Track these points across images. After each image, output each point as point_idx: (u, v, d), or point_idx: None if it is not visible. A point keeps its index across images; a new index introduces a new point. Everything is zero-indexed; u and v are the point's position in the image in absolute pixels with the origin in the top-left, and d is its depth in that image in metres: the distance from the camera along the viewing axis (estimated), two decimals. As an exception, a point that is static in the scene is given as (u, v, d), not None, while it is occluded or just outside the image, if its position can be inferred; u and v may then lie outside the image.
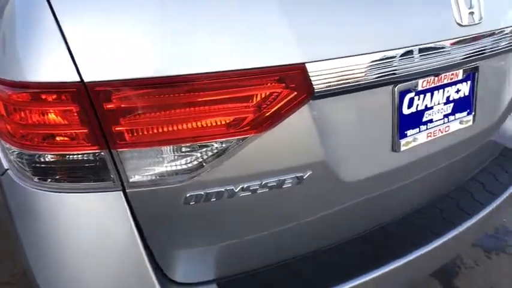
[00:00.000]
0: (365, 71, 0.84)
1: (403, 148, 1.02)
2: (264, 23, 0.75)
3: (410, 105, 1.01)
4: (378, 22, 0.87)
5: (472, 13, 0.98)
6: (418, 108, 1.03)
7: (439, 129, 1.09)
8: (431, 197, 1.24)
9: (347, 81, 0.82)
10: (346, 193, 0.97)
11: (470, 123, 1.15)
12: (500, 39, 1.08)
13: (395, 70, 0.89)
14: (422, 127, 1.06)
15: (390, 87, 0.95)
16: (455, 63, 1.00)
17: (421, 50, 0.91)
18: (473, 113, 1.15)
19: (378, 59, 0.85)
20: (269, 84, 0.75)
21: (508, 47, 1.13)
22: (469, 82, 1.12)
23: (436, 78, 1.03)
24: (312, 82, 0.78)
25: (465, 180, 1.35)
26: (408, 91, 1.00)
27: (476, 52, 1.04)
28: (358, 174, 0.97)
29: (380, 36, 0.87)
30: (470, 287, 1.77)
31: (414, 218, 1.17)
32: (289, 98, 0.77)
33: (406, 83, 0.97)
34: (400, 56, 0.88)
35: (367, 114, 0.95)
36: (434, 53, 0.94)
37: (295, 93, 0.77)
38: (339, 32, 0.82)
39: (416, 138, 1.05)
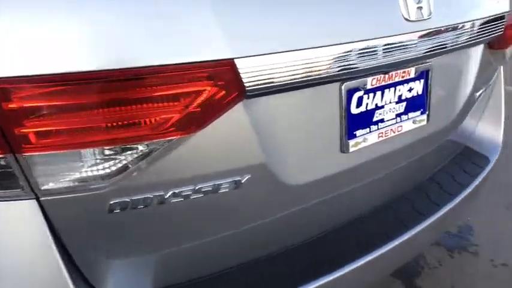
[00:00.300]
0: (304, 68, 0.79)
1: (352, 149, 0.98)
2: (188, 14, 0.69)
3: (359, 104, 0.97)
4: (318, 15, 0.81)
5: (420, 8, 0.93)
6: (368, 108, 0.99)
7: (391, 129, 1.05)
8: (385, 199, 1.20)
9: (283, 78, 0.76)
10: (291, 197, 0.92)
11: (424, 122, 1.12)
12: (453, 35, 1.05)
13: (338, 67, 0.84)
14: (373, 127, 1.01)
15: (336, 85, 0.90)
16: (405, 60, 0.96)
17: (366, 46, 0.86)
18: (427, 112, 1.12)
19: (318, 55, 0.80)
20: (195, 81, 0.69)
21: (461, 44, 1.09)
22: (422, 80, 1.08)
23: (386, 76, 0.99)
24: (243, 80, 0.72)
25: (421, 180, 1.32)
26: (357, 89, 0.95)
27: (427, 49, 1.00)
28: (303, 177, 0.92)
29: (321, 31, 0.81)
30: (433, 286, 1.76)
31: (367, 221, 1.13)
32: (218, 96, 0.71)
33: (354, 81, 0.93)
34: (343, 52, 0.83)
35: (311, 113, 0.90)
36: (381, 49, 0.89)
37: (224, 91, 0.71)
38: (273, 25, 0.75)
39: (367, 138, 1.00)
